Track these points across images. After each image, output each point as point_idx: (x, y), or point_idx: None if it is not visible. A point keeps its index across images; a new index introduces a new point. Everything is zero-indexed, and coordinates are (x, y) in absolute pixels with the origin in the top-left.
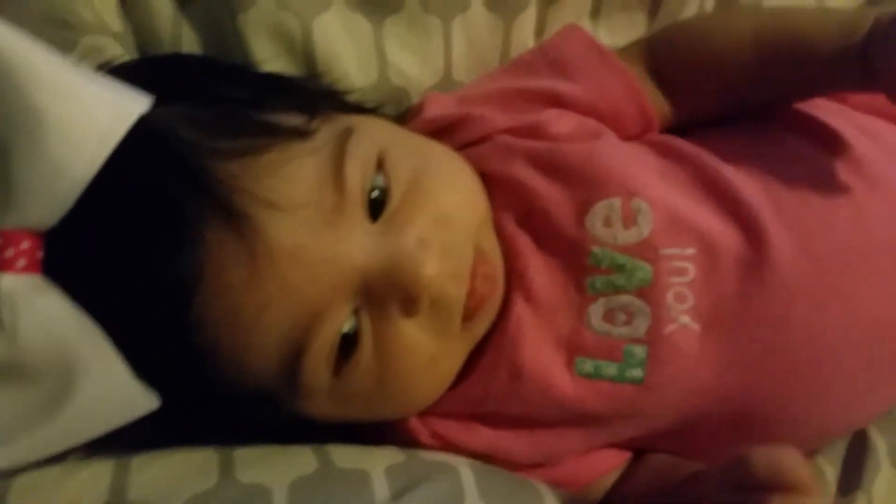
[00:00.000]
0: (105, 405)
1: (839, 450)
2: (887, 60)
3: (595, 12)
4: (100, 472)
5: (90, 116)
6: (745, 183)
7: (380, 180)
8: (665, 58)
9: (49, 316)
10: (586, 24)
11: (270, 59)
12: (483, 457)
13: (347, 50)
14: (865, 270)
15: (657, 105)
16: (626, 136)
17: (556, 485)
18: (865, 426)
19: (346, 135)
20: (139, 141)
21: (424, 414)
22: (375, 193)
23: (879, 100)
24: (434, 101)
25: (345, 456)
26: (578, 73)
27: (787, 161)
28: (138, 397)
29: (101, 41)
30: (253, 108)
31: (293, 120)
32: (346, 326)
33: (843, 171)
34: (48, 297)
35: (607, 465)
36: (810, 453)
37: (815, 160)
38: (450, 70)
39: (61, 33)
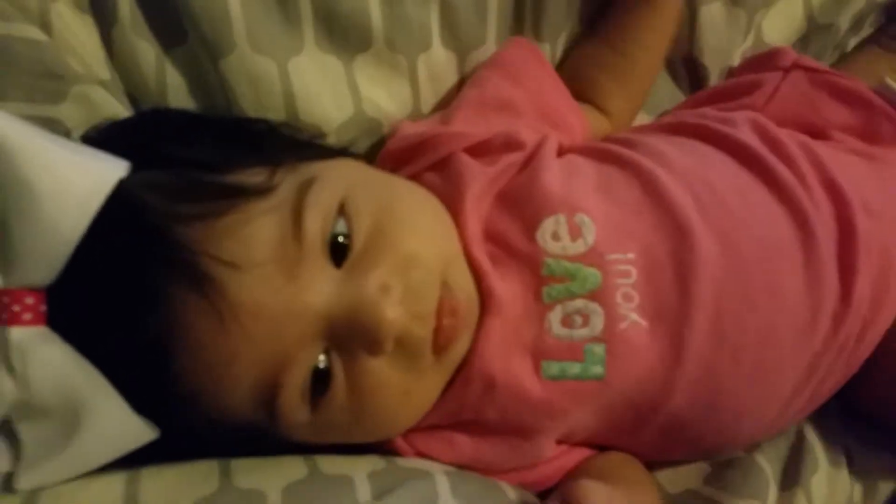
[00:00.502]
0: (110, 437)
1: (780, 450)
2: None
3: (552, 56)
4: (113, 482)
5: (74, 185)
6: (675, 185)
7: (342, 226)
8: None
9: (54, 362)
10: None
11: (253, 101)
12: (464, 467)
13: (323, 87)
14: (782, 265)
15: (593, 120)
16: (571, 141)
17: (527, 487)
18: (802, 421)
19: (307, 185)
20: (115, 207)
21: (407, 431)
22: (341, 239)
23: (789, 107)
24: (406, 125)
25: (331, 464)
26: (523, 78)
27: (705, 166)
28: (139, 429)
29: (90, 90)
30: (219, 169)
31: (257, 177)
32: (319, 364)
33: (749, 176)
34: (53, 345)
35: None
36: (752, 448)
37: (727, 168)
38: (418, 103)
39: (52, 84)
